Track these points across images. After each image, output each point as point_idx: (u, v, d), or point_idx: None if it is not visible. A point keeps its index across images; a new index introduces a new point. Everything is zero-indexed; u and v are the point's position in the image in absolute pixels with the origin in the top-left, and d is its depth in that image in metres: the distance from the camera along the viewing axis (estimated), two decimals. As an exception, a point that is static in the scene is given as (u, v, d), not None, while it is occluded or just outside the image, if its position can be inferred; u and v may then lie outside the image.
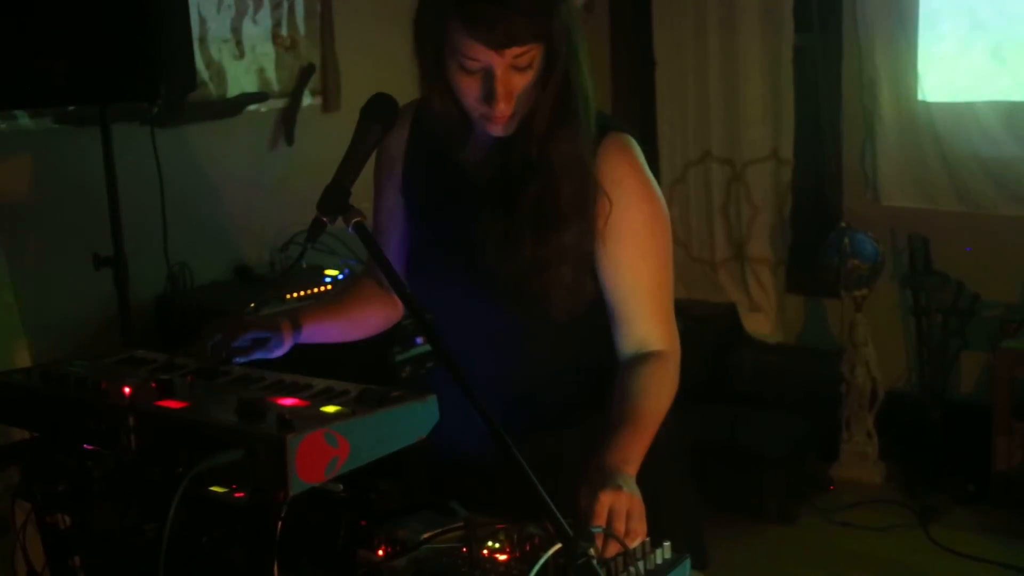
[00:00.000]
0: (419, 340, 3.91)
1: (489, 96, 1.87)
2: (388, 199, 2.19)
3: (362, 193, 1.91)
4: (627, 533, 1.68)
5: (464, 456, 2.02)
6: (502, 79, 1.85)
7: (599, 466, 1.81)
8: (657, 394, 1.98)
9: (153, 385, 1.75)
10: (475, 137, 2.03)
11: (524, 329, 2.04)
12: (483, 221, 2.00)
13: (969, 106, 4.94)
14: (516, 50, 1.82)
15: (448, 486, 2.02)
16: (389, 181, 2.18)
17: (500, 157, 2.00)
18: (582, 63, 1.92)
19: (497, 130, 1.94)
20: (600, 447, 1.86)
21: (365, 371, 2.45)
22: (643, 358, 2.01)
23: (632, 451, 1.85)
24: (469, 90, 1.89)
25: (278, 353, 2.05)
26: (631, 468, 1.82)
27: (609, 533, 1.66)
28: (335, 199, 1.78)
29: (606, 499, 1.70)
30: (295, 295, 3.88)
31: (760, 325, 5.59)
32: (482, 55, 1.83)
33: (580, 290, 1.99)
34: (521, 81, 1.87)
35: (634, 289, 2.01)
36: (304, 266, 4.11)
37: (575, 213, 1.95)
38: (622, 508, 1.70)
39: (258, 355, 2.01)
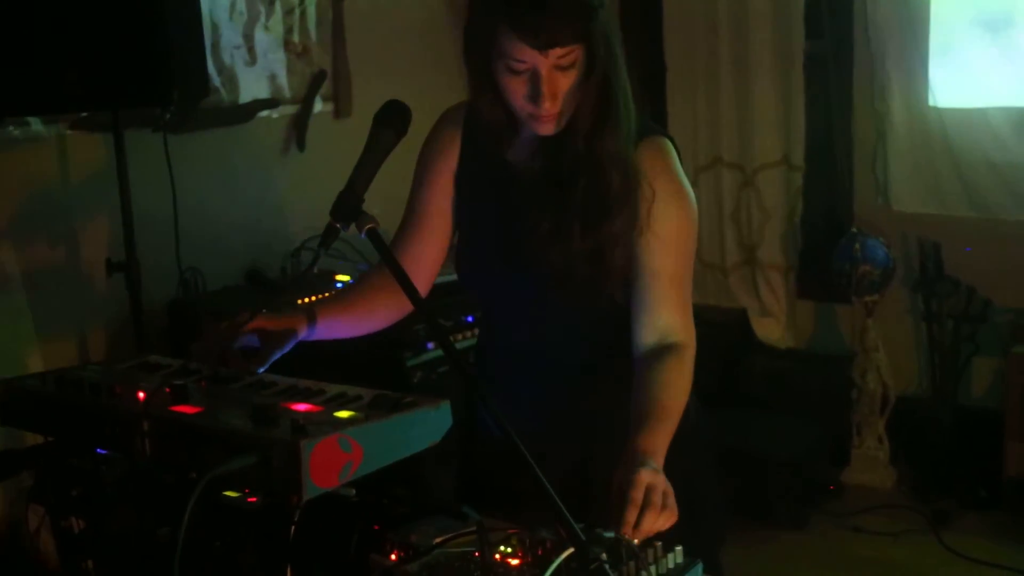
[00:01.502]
0: (430, 345, 3.92)
1: (536, 95, 1.96)
2: (435, 191, 2.25)
3: (375, 200, 1.92)
4: (664, 507, 1.72)
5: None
6: (547, 79, 1.94)
7: (632, 453, 1.85)
8: (679, 388, 2.04)
9: (167, 390, 1.76)
10: (521, 138, 2.13)
11: (574, 315, 2.14)
12: (532, 216, 2.08)
13: (981, 112, 4.93)
14: (559, 51, 1.91)
15: (484, 480, 2.07)
16: (441, 174, 2.24)
17: (547, 156, 2.10)
18: (620, 65, 2.02)
19: (546, 129, 2.03)
20: (629, 437, 1.91)
21: (376, 376, 2.46)
22: (664, 351, 2.07)
23: (660, 443, 1.91)
24: (517, 91, 1.98)
25: (288, 346, 2.04)
26: (659, 459, 1.87)
27: (623, 538, 1.66)
28: (348, 206, 1.80)
29: (645, 476, 1.75)
30: (307, 300, 3.88)
31: (771, 330, 5.58)
32: (528, 56, 1.92)
33: (629, 273, 2.08)
34: (565, 81, 1.96)
35: (659, 275, 2.08)
36: (316, 271, 4.11)
37: (623, 202, 2.04)
38: (660, 486, 1.75)
39: (276, 355, 2.02)
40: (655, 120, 2.20)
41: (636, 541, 1.67)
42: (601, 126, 2.02)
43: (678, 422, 1.98)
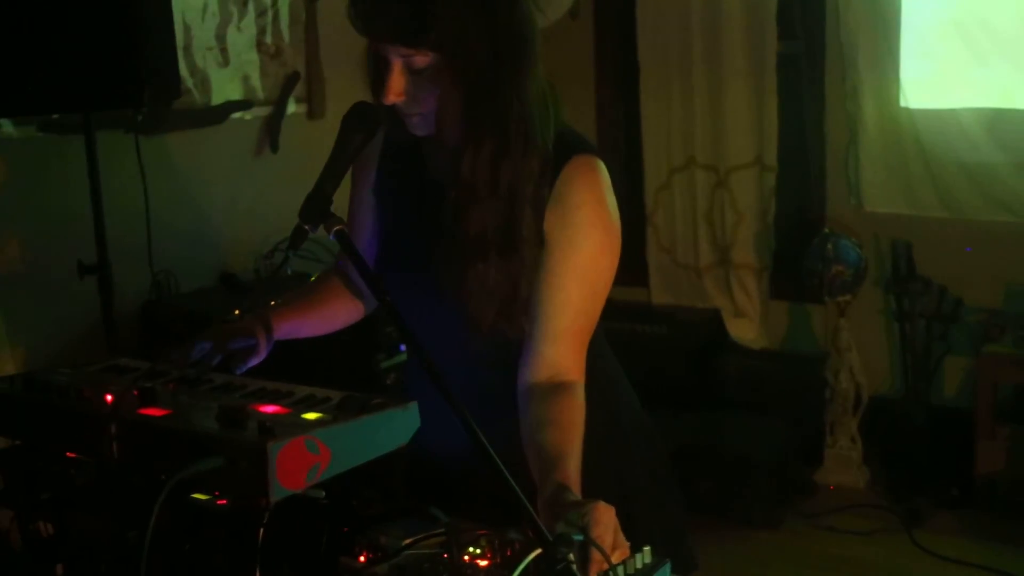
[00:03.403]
0: (403, 347, 3.92)
1: (379, 85, 1.90)
2: (361, 196, 2.20)
3: (345, 201, 1.91)
4: (616, 546, 1.61)
5: (445, 461, 2.02)
6: (394, 74, 1.87)
7: (563, 490, 1.73)
8: (582, 425, 1.89)
9: (135, 393, 1.75)
10: (438, 146, 2.03)
11: (475, 342, 1.99)
12: (429, 236, 2.00)
13: (952, 112, 4.96)
14: (403, 50, 1.84)
15: (429, 491, 2.03)
16: (363, 178, 2.19)
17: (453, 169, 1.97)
18: (513, 84, 1.88)
19: (413, 128, 1.96)
20: (550, 472, 1.77)
21: (350, 378, 2.46)
22: (559, 389, 1.92)
23: (577, 486, 1.78)
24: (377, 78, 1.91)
25: (257, 360, 2.08)
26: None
27: (592, 542, 1.64)
28: (316, 207, 1.78)
29: (603, 507, 1.62)
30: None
31: (745, 330, 5.60)
32: (378, 47, 1.87)
33: (511, 326, 1.95)
34: (415, 83, 1.88)
35: (563, 310, 1.94)
36: (289, 273, 4.11)
37: (492, 245, 1.91)
38: (612, 519, 1.63)
39: (252, 362, 2.04)
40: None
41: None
42: (465, 147, 1.90)
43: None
